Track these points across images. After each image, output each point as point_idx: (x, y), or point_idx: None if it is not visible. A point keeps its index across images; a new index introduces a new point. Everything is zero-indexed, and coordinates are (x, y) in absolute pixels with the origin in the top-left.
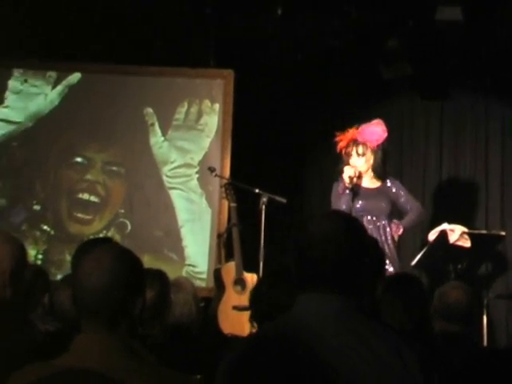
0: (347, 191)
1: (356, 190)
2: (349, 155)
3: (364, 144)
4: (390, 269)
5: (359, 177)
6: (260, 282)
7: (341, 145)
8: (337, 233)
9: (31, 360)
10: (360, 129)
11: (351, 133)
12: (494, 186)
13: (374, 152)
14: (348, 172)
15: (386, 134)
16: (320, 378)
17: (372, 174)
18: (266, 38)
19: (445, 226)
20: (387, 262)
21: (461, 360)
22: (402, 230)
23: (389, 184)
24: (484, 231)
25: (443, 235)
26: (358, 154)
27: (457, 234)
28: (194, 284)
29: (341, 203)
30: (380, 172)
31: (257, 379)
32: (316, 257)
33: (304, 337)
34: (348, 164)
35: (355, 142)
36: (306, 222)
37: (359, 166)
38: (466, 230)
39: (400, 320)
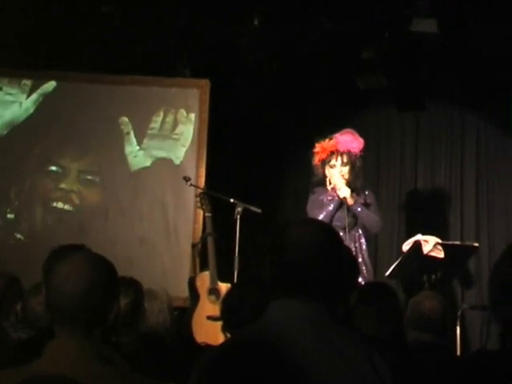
0: (333, 200)
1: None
2: (331, 166)
3: (348, 153)
4: (364, 279)
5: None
6: (230, 292)
7: (321, 156)
8: (313, 240)
9: (4, 368)
10: (337, 139)
11: (331, 144)
12: (469, 198)
13: (354, 161)
14: (341, 181)
15: (362, 144)
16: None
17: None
18: (242, 48)
19: (419, 236)
20: (361, 270)
21: (434, 369)
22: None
23: (367, 192)
24: (458, 242)
25: (417, 246)
26: (343, 163)
27: (431, 244)
28: (169, 293)
29: (320, 213)
30: (359, 180)
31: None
32: (291, 263)
33: (277, 343)
34: (323, 175)
35: (338, 152)
36: (282, 228)
37: (344, 174)
38: (439, 240)
39: (373, 328)
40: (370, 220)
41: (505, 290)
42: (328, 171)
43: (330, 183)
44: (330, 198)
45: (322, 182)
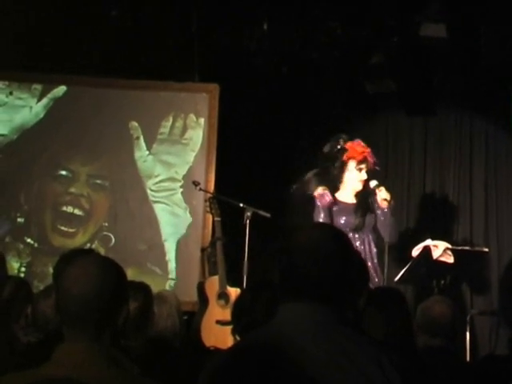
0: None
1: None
2: (361, 169)
3: (369, 164)
4: (374, 283)
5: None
6: (242, 295)
7: (357, 157)
8: (324, 244)
9: (13, 371)
10: (364, 148)
11: (363, 150)
12: (478, 202)
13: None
14: (360, 177)
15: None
16: None
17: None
18: (252, 52)
19: (428, 241)
20: (371, 275)
21: (443, 374)
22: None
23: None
24: (467, 247)
25: (427, 251)
26: (366, 172)
27: (440, 249)
28: (178, 297)
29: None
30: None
31: None
32: (301, 267)
33: (285, 347)
34: (340, 176)
35: (366, 160)
36: (293, 232)
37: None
38: (449, 246)
39: (382, 333)
40: (392, 232)
41: None
42: (352, 171)
43: (347, 183)
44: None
45: (336, 182)
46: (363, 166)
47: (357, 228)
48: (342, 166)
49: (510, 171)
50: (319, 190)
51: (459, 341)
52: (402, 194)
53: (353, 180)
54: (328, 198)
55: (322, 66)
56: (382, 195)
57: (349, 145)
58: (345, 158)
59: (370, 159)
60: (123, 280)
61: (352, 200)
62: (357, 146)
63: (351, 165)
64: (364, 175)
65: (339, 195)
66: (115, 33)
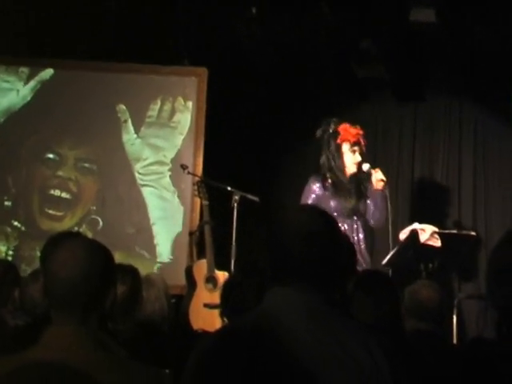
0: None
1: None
2: (354, 151)
3: (362, 146)
4: (361, 268)
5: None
6: (231, 278)
7: (351, 139)
8: (311, 226)
9: (1, 354)
10: (357, 129)
11: (357, 132)
12: (466, 188)
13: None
14: (356, 158)
15: None
16: (289, 372)
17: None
18: (240, 36)
19: (416, 225)
20: (359, 260)
21: (431, 357)
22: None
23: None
24: (455, 231)
25: (414, 234)
26: (360, 154)
27: (427, 233)
28: (166, 281)
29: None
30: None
31: (225, 372)
32: (289, 249)
33: (274, 330)
34: (341, 156)
35: (359, 142)
36: (279, 215)
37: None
38: (436, 229)
39: (370, 316)
40: (381, 216)
41: (501, 275)
42: (346, 154)
43: (343, 166)
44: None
45: (329, 165)
46: (356, 147)
47: (348, 213)
48: (338, 150)
49: (498, 157)
50: (313, 176)
51: (447, 325)
52: (390, 179)
53: (347, 163)
54: (317, 186)
55: (312, 51)
56: (378, 176)
57: (341, 127)
58: (338, 141)
59: (363, 141)
60: (110, 263)
61: (346, 184)
62: (349, 128)
63: (345, 147)
64: (358, 157)
65: (333, 179)
66: (103, 16)
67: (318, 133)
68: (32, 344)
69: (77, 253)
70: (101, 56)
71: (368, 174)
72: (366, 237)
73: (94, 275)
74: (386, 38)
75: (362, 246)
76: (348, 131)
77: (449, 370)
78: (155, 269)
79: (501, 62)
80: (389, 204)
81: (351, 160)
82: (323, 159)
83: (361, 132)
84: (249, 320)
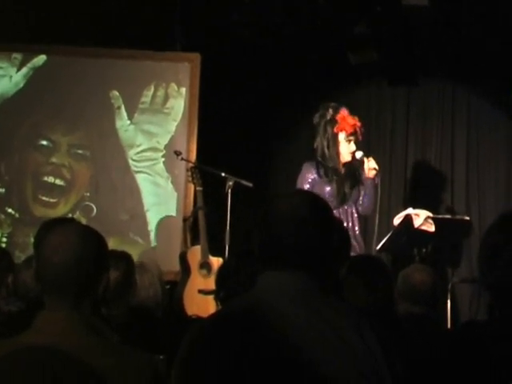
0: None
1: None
2: (349, 141)
3: (358, 135)
4: (355, 253)
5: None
6: (226, 263)
7: (348, 130)
8: (303, 211)
9: None
10: (355, 120)
11: (354, 121)
12: (460, 172)
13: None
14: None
15: None
16: (281, 356)
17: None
18: (234, 22)
19: (410, 210)
20: (353, 245)
21: (425, 342)
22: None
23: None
24: (448, 216)
25: (408, 220)
26: (355, 143)
27: (421, 218)
28: (160, 267)
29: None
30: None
31: (217, 357)
32: (281, 234)
33: (266, 315)
34: (337, 145)
35: (355, 132)
36: (272, 199)
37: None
38: (430, 214)
39: (363, 300)
40: (370, 203)
41: (493, 258)
42: (342, 143)
43: (338, 155)
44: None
45: (324, 153)
46: (352, 137)
47: (342, 199)
48: (334, 139)
49: (491, 141)
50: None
51: (440, 309)
52: (384, 164)
53: (342, 152)
54: (312, 172)
55: (305, 37)
56: (371, 165)
57: (339, 116)
58: (335, 130)
59: (359, 131)
60: (103, 248)
61: (340, 171)
62: (347, 118)
63: (341, 136)
64: (353, 146)
65: (328, 166)
66: (96, 2)
67: (315, 118)
68: (25, 329)
69: (69, 238)
70: (94, 42)
71: (360, 162)
72: (360, 223)
73: (87, 260)
74: (379, 22)
75: (357, 232)
76: (346, 121)
77: (441, 353)
78: (149, 255)
79: (494, 46)
80: (378, 192)
81: (346, 149)
82: (318, 144)
83: (358, 124)
84: (240, 305)
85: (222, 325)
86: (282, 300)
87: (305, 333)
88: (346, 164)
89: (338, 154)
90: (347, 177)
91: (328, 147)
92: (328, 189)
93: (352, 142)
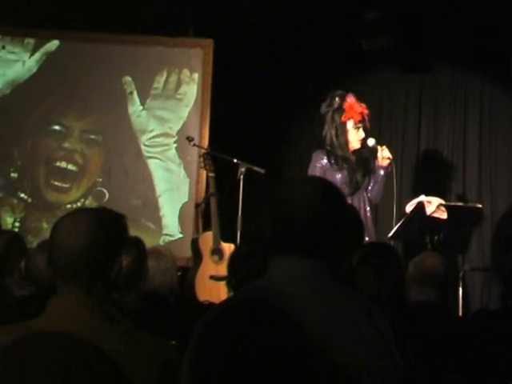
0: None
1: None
2: (357, 129)
3: (366, 122)
4: (367, 239)
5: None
6: (238, 249)
7: (355, 118)
8: (315, 197)
9: (6, 324)
10: (362, 108)
11: (361, 109)
12: (472, 159)
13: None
14: (360, 134)
15: None
16: (292, 342)
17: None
18: (246, 7)
19: (422, 197)
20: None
21: (436, 329)
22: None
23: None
24: (461, 203)
25: (420, 207)
26: (364, 129)
27: (434, 205)
28: (173, 253)
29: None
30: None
31: (229, 342)
32: (293, 220)
33: (277, 300)
34: (345, 133)
35: (363, 119)
36: (284, 185)
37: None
38: (442, 201)
39: (374, 287)
40: (379, 191)
41: (506, 247)
42: (350, 131)
43: (347, 143)
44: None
45: (333, 141)
46: (361, 125)
47: (354, 186)
48: (342, 128)
49: (504, 128)
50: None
51: (451, 297)
52: (396, 151)
53: (351, 139)
54: (323, 159)
55: (317, 23)
56: (385, 154)
57: (347, 105)
58: (343, 118)
59: (367, 117)
60: (116, 234)
61: (351, 159)
62: (355, 105)
63: (349, 125)
64: (362, 134)
65: (337, 154)
66: None
67: (323, 108)
68: (37, 314)
69: (81, 223)
70: (106, 28)
71: (374, 150)
72: (371, 210)
73: (98, 245)
74: (392, 8)
75: (369, 217)
76: (353, 109)
77: (452, 341)
78: (161, 240)
79: (505, 32)
80: (394, 182)
81: (355, 137)
82: (326, 132)
83: (366, 111)
84: (252, 291)
85: (234, 311)
86: (293, 286)
87: (316, 320)
88: (355, 151)
89: (347, 142)
90: (358, 164)
91: (337, 136)
92: (339, 176)
93: (361, 130)
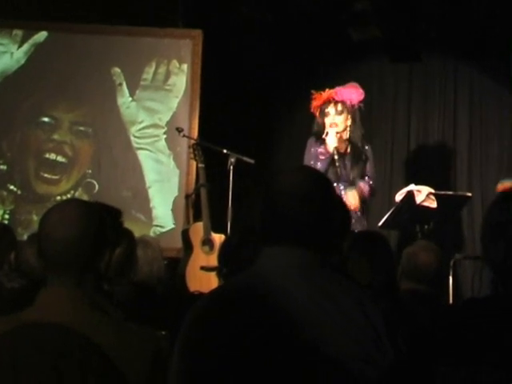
0: (326, 156)
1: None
2: (326, 114)
3: (342, 102)
4: (357, 229)
5: (340, 139)
6: (228, 239)
7: (316, 103)
8: (305, 186)
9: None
10: (337, 89)
11: (328, 92)
12: (462, 149)
13: (352, 112)
14: (332, 142)
15: (363, 96)
16: (283, 331)
17: (347, 135)
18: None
19: (412, 186)
20: (354, 222)
21: (427, 318)
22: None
23: (366, 147)
24: (451, 192)
25: (410, 196)
26: (337, 112)
27: (423, 194)
28: (160, 243)
29: (317, 166)
30: (357, 133)
31: (219, 331)
32: (283, 210)
33: (267, 290)
34: (323, 125)
35: (333, 101)
36: (274, 175)
37: (338, 123)
38: (432, 190)
39: (366, 276)
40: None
41: (495, 236)
42: (324, 120)
43: (327, 134)
44: (321, 151)
45: (321, 131)
46: (329, 109)
47: (341, 178)
48: (318, 119)
49: (493, 117)
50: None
51: (443, 286)
52: (386, 141)
53: (327, 127)
54: (317, 147)
55: (307, 14)
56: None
57: (314, 95)
58: (312, 110)
59: (339, 97)
60: (105, 224)
61: (342, 149)
62: (323, 93)
63: (321, 114)
64: (332, 118)
65: (326, 145)
66: None
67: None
68: (27, 306)
69: (70, 214)
70: (95, 18)
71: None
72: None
73: (88, 236)
74: None
75: (359, 207)
76: (319, 96)
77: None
78: (151, 232)
79: (496, 21)
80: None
81: (327, 123)
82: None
83: (336, 90)
84: (241, 281)
85: (223, 301)
86: (283, 276)
87: (306, 309)
88: (345, 140)
89: (324, 127)
90: (347, 156)
91: (318, 127)
92: (319, 165)
93: (331, 115)
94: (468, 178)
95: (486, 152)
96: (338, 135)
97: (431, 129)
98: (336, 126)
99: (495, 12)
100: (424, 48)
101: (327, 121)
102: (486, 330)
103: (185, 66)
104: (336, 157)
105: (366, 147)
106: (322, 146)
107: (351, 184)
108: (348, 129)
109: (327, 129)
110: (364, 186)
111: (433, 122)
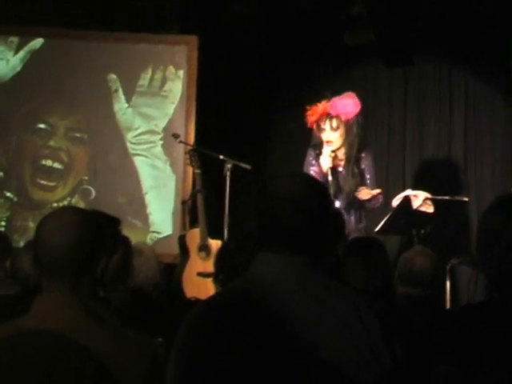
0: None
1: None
2: (321, 130)
3: (338, 117)
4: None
5: (335, 158)
6: (225, 245)
7: (312, 119)
8: (300, 192)
9: None
10: (331, 102)
11: (322, 106)
12: (458, 153)
13: (348, 126)
14: (326, 163)
15: (359, 107)
16: (277, 338)
17: (343, 150)
18: (230, 2)
19: (408, 191)
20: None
21: (422, 322)
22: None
23: (363, 155)
24: (447, 197)
25: (406, 201)
26: (332, 128)
27: (420, 199)
28: (154, 250)
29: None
30: (354, 145)
31: (215, 338)
32: (278, 216)
33: (262, 296)
34: (320, 139)
35: (328, 116)
36: (270, 181)
37: (334, 141)
38: (429, 195)
39: (361, 281)
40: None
41: (490, 241)
42: (321, 135)
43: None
44: (315, 170)
45: (319, 145)
46: (324, 125)
47: (336, 195)
48: (315, 133)
49: (489, 121)
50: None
51: (440, 290)
52: (382, 146)
53: (324, 143)
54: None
55: (302, 17)
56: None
57: (309, 111)
58: (309, 125)
59: (334, 112)
60: (101, 231)
61: (327, 169)
62: (318, 106)
63: (317, 127)
64: (327, 135)
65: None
66: None
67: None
68: (23, 313)
69: (67, 221)
70: (91, 25)
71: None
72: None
73: (84, 243)
74: (376, 2)
75: (352, 217)
76: (314, 111)
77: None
78: (148, 238)
79: (491, 25)
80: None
81: (324, 139)
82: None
83: (330, 104)
84: (237, 287)
85: (220, 307)
86: (278, 282)
87: (300, 314)
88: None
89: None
90: (343, 170)
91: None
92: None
93: (326, 131)
94: (464, 182)
95: (481, 156)
96: (333, 154)
97: (427, 134)
98: (331, 143)
99: (492, 16)
100: (418, 52)
101: (323, 137)
102: (482, 332)
103: (181, 72)
104: (330, 178)
105: (363, 154)
106: (317, 164)
107: (348, 196)
108: (345, 144)
109: (324, 145)
110: (380, 198)
111: (428, 126)
